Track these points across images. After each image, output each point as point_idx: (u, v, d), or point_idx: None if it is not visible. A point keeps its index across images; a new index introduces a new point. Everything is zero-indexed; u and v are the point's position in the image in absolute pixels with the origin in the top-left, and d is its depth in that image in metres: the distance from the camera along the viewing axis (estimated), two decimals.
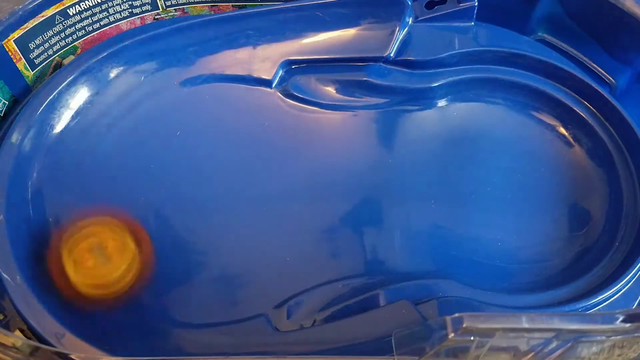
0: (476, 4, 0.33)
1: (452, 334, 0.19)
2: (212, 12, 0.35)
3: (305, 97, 0.32)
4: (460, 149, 0.32)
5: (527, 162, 0.31)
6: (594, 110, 0.32)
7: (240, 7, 0.35)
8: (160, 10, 0.35)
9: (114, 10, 0.34)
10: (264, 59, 0.32)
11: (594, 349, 0.20)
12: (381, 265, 0.28)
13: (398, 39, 0.32)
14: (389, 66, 0.33)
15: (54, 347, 0.24)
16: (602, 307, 0.26)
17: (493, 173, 0.31)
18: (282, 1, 0.34)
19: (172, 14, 0.36)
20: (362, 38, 0.33)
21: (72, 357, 0.22)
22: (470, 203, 0.30)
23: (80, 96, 0.31)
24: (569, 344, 0.20)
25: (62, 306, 0.26)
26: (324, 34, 0.33)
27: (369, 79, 0.32)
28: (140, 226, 0.26)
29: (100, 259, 0.25)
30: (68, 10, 0.33)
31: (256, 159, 0.31)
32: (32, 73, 0.33)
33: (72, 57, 0.34)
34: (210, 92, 0.32)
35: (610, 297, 0.26)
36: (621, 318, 0.20)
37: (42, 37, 0.32)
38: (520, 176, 0.31)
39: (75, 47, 0.34)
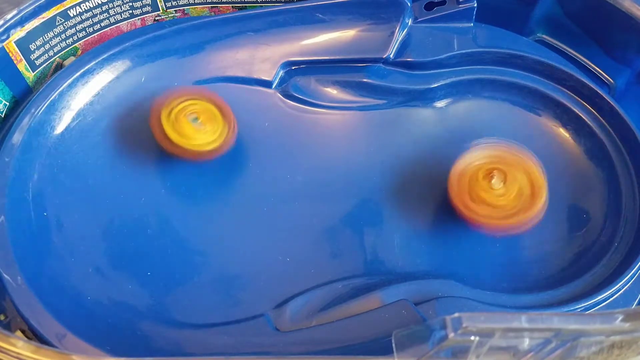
0: (475, 5, 0.33)
1: (452, 334, 0.19)
2: (213, 13, 0.35)
3: (305, 98, 0.32)
4: (459, 149, 0.32)
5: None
6: (593, 111, 0.32)
7: (240, 9, 0.35)
8: (161, 11, 0.35)
9: (115, 12, 0.34)
10: (264, 60, 0.33)
11: (593, 348, 0.20)
12: (381, 265, 0.28)
13: (398, 40, 0.32)
14: (388, 67, 0.33)
15: (55, 347, 0.24)
16: (601, 307, 0.26)
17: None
18: (282, 2, 0.34)
19: (172, 15, 0.36)
20: (361, 39, 0.33)
21: (73, 357, 0.22)
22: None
23: (80, 97, 0.31)
24: (569, 344, 0.20)
25: (63, 306, 0.26)
26: (323, 35, 0.33)
27: (369, 80, 0.32)
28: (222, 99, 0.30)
29: (196, 126, 0.29)
30: (69, 12, 0.33)
31: (256, 160, 0.31)
32: (33, 74, 0.33)
33: (72, 58, 0.34)
34: None
35: (609, 297, 0.26)
36: (620, 318, 0.20)
37: (42, 38, 0.32)
38: None
39: (76, 48, 0.34)
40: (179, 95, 0.30)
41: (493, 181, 0.27)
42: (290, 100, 0.32)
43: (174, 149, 0.29)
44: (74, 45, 0.34)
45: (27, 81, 0.33)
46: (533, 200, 0.27)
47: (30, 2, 0.31)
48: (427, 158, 0.31)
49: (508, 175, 0.27)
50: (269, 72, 0.32)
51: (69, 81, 0.31)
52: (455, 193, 0.28)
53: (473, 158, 0.28)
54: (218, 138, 0.29)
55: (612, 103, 0.31)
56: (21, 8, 0.31)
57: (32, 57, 0.32)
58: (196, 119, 0.29)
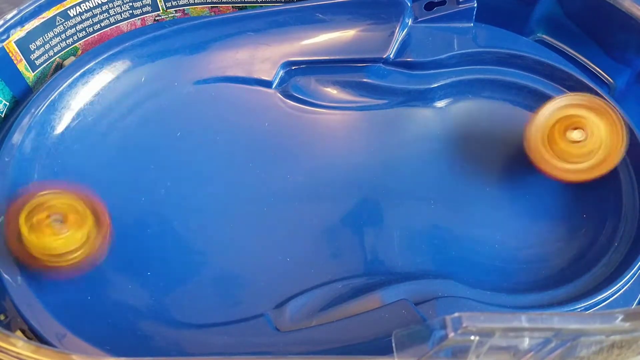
0: (475, 5, 0.33)
1: (452, 334, 0.19)
2: (213, 13, 0.36)
3: (305, 97, 0.32)
4: (459, 149, 0.32)
5: (526, 162, 0.31)
6: None
7: (240, 9, 0.35)
8: (161, 11, 0.35)
9: (115, 12, 0.34)
10: (264, 60, 0.33)
11: (593, 348, 0.20)
12: (381, 265, 0.28)
13: (398, 40, 0.32)
14: (388, 67, 0.33)
15: (55, 347, 0.24)
16: (601, 306, 0.26)
17: (492, 173, 0.31)
18: (282, 2, 0.34)
19: (172, 15, 0.36)
20: (361, 39, 0.33)
21: (73, 357, 0.22)
22: (469, 203, 0.30)
23: (80, 97, 0.31)
24: (569, 344, 0.20)
25: (63, 306, 0.26)
26: (323, 35, 0.33)
27: (369, 80, 0.32)
28: (99, 202, 0.26)
29: (58, 230, 0.24)
30: (69, 12, 0.33)
31: (256, 160, 0.31)
32: (33, 74, 0.33)
33: (72, 58, 0.34)
34: (210, 93, 0.32)
35: (609, 297, 0.26)
36: (620, 317, 0.20)
37: (42, 38, 0.32)
38: (519, 176, 0.31)
39: (76, 48, 0.34)
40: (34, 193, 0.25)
41: (574, 134, 0.27)
42: (290, 100, 0.32)
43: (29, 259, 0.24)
44: (74, 45, 0.34)
45: (27, 81, 0.33)
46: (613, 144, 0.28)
47: (30, 2, 0.31)
48: (427, 158, 0.31)
49: (587, 127, 0.27)
50: (269, 72, 0.32)
51: (69, 81, 0.31)
52: (533, 147, 0.28)
53: (550, 111, 0.28)
54: (85, 245, 0.24)
55: (612, 103, 0.31)
56: (21, 8, 0.31)
57: (32, 57, 0.32)
58: (59, 220, 0.24)
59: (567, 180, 0.28)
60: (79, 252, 0.25)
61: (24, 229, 0.24)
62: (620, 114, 0.29)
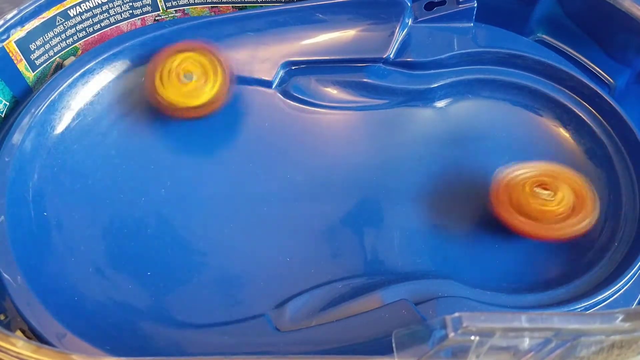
0: (475, 5, 0.33)
1: (452, 334, 0.19)
2: (213, 13, 0.36)
3: (305, 97, 0.32)
4: (459, 149, 0.32)
5: (526, 162, 0.31)
6: (593, 111, 0.32)
7: (240, 9, 0.35)
8: (161, 11, 0.35)
9: (115, 12, 0.34)
10: (264, 60, 0.33)
11: (593, 348, 0.20)
12: (381, 265, 0.28)
13: (398, 40, 0.32)
14: (388, 67, 0.33)
15: (55, 347, 0.24)
16: (601, 307, 0.26)
17: (492, 173, 0.31)
18: (282, 2, 0.34)
19: (172, 15, 0.36)
20: (361, 39, 0.33)
21: (73, 357, 0.22)
22: (469, 203, 0.30)
23: (81, 97, 0.31)
24: (569, 344, 0.20)
25: (63, 306, 0.26)
26: (323, 35, 0.33)
27: (369, 80, 0.32)
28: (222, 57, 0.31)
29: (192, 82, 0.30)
30: (69, 12, 0.33)
31: (256, 160, 0.31)
32: (33, 74, 0.33)
33: (72, 58, 0.34)
34: None
35: (609, 297, 0.26)
36: (620, 317, 0.20)
37: (42, 38, 0.32)
38: None
39: (76, 48, 0.34)
40: (171, 53, 0.30)
41: (538, 190, 0.27)
42: (290, 100, 0.32)
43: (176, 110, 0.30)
44: (74, 45, 0.34)
45: (27, 81, 0.33)
46: (581, 207, 0.28)
47: (31, 2, 0.31)
48: (427, 158, 0.31)
49: (553, 186, 0.28)
50: (269, 72, 0.32)
51: (69, 81, 0.31)
52: (501, 205, 0.28)
53: (516, 171, 0.28)
54: (212, 90, 0.30)
55: (612, 103, 0.31)
56: (21, 8, 0.31)
57: (32, 57, 0.32)
58: (189, 75, 0.30)
59: (536, 236, 0.28)
60: (205, 97, 0.30)
61: (158, 82, 0.30)
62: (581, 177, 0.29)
